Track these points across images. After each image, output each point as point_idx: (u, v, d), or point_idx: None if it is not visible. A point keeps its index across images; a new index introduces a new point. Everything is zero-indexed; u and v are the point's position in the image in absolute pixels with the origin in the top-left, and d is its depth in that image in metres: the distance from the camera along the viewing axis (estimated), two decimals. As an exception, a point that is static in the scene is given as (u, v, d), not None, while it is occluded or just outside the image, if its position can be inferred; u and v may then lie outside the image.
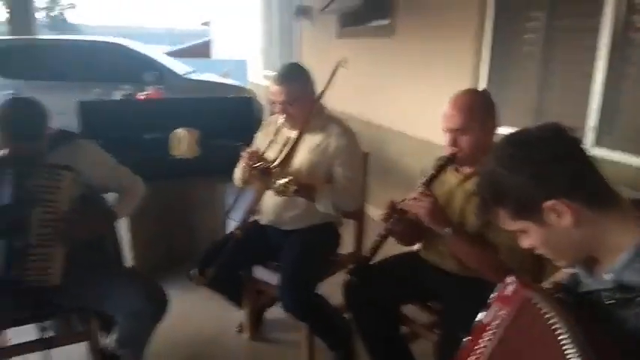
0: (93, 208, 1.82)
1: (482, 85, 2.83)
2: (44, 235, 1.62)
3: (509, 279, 0.90)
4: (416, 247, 1.85)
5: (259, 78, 7.77)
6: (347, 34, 4.70)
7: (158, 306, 1.76)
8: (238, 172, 2.10)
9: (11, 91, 4.22)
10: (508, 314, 0.86)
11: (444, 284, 1.69)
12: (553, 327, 0.75)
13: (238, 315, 2.34)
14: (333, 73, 1.98)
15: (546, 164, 0.84)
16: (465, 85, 2.25)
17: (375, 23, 4.16)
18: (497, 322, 0.88)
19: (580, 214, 0.83)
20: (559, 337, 0.74)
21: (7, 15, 6.74)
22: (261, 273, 2.20)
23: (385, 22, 3.90)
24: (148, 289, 1.75)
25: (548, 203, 0.83)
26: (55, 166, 1.66)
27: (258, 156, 1.94)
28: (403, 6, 3.66)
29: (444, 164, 1.64)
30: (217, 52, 12.05)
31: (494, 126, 1.61)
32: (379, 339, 1.81)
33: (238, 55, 9.72)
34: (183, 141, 2.61)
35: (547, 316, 0.77)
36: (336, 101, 3.34)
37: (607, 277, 0.83)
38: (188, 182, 2.81)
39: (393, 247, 1.78)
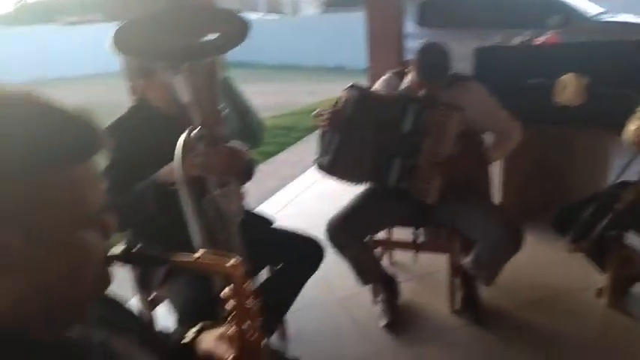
0: (471, 147, 2.05)
1: None
2: (429, 160, 1.94)
3: None
4: None
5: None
6: None
7: (514, 242, 1.89)
8: (630, 132, 1.86)
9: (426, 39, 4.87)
10: None
11: None
12: None
13: (601, 279, 2.19)
14: None
15: None
16: None
17: None
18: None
19: None
20: None
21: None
22: (634, 240, 1.97)
23: None
24: (508, 225, 1.90)
25: None
26: (448, 106, 1.90)
27: None
28: None
29: None
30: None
31: None
32: None
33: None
34: (569, 87, 2.49)
35: None
36: None
37: None
38: (569, 131, 2.68)
39: None
